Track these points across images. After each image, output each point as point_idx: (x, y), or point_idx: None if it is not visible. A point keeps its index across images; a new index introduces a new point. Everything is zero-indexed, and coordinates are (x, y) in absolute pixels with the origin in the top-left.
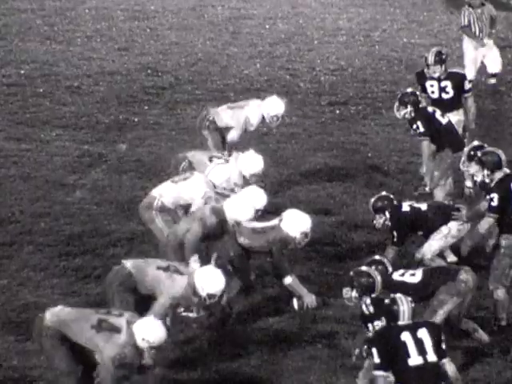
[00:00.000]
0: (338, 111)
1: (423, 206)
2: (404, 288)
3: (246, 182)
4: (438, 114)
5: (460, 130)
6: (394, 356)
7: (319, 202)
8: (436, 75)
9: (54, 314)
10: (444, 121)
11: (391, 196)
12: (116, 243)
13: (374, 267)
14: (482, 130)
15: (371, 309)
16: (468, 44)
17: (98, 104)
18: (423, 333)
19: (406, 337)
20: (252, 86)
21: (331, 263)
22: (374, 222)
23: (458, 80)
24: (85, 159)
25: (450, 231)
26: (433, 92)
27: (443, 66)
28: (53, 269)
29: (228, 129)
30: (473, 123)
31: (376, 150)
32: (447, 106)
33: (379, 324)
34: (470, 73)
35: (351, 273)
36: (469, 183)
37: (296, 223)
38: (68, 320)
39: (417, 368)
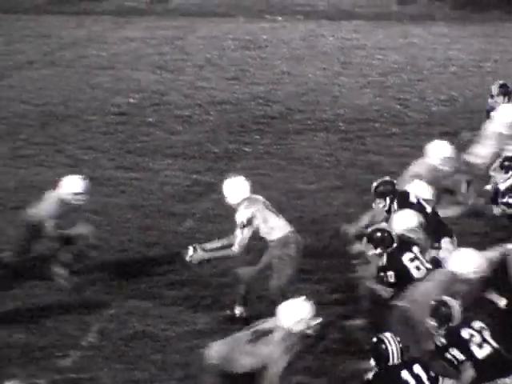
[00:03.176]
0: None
1: (429, 208)
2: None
3: None
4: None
5: None
6: None
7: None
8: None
9: (215, 351)
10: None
11: (395, 181)
12: (224, 273)
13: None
14: None
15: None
16: None
17: (208, 133)
18: (418, 368)
19: (405, 375)
20: (362, 116)
21: None
22: (373, 204)
23: None
24: (195, 188)
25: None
26: None
27: (506, 98)
28: (161, 298)
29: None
30: None
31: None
32: None
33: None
34: None
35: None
36: (488, 187)
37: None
38: (228, 349)
39: None
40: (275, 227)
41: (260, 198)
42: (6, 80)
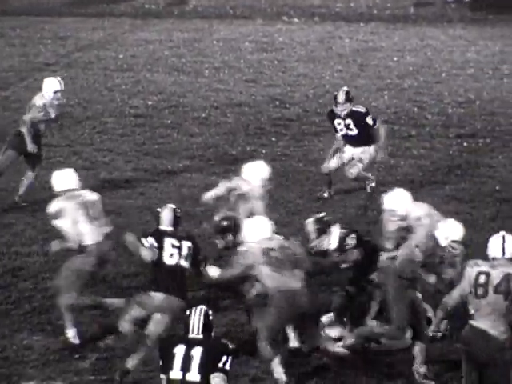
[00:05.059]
0: (465, 144)
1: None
2: None
3: None
4: None
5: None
6: (165, 363)
7: None
8: (343, 113)
9: None
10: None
11: (238, 217)
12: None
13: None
14: None
15: None
16: None
17: (226, 135)
18: (197, 351)
19: (179, 350)
20: (379, 118)
21: None
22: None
23: (358, 118)
24: None
25: None
26: (341, 129)
27: (350, 105)
28: None
29: None
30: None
31: (504, 183)
32: (355, 141)
33: None
34: None
35: None
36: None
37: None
38: None
39: (174, 382)
40: (85, 233)
41: (87, 197)
42: (22, 82)
